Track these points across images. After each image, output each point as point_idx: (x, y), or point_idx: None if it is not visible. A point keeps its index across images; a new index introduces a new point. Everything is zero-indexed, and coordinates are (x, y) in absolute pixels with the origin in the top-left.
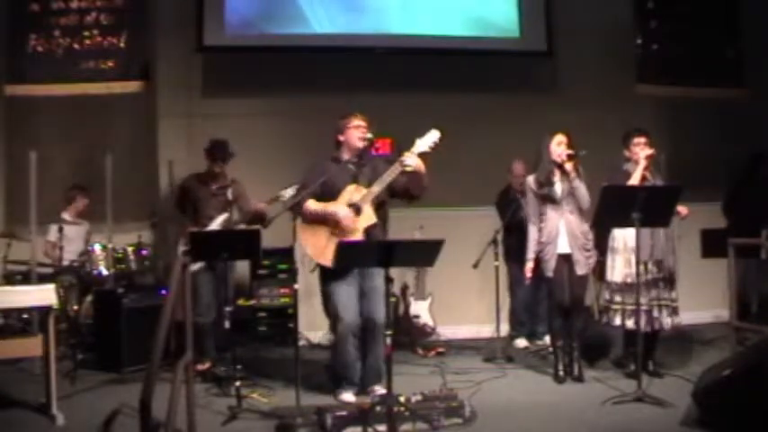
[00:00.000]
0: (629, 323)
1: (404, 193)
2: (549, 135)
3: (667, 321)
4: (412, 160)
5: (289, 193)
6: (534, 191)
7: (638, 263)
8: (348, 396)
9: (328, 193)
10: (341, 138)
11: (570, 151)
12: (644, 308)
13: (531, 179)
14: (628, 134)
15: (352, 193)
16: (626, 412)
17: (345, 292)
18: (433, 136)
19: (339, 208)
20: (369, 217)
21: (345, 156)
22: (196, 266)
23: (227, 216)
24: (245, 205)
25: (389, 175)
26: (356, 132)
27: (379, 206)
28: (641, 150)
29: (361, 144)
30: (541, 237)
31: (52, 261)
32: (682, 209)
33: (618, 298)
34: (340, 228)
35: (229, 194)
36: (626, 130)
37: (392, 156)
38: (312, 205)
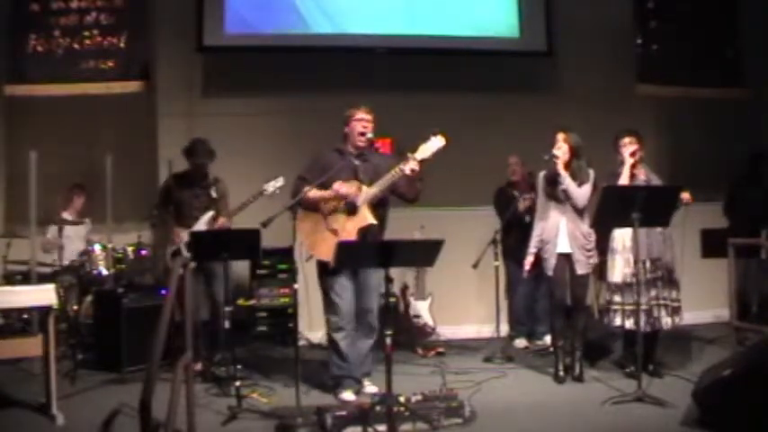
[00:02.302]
0: (629, 323)
1: (400, 195)
2: (554, 132)
3: (667, 321)
4: (414, 165)
5: (272, 186)
6: (543, 187)
7: (636, 262)
8: (348, 395)
9: (328, 186)
10: (345, 129)
11: (554, 152)
12: (643, 307)
13: (541, 174)
14: (616, 137)
15: (351, 190)
16: (626, 412)
17: (339, 285)
18: (437, 142)
19: (342, 186)
20: (364, 218)
21: (349, 149)
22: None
23: (212, 214)
24: (224, 207)
25: (389, 178)
26: (358, 126)
27: (379, 205)
28: (625, 150)
29: (360, 141)
30: (542, 234)
31: (50, 255)
32: (685, 195)
33: (617, 298)
34: (341, 201)
35: (213, 193)
36: (618, 131)
37: (393, 156)
38: (312, 192)
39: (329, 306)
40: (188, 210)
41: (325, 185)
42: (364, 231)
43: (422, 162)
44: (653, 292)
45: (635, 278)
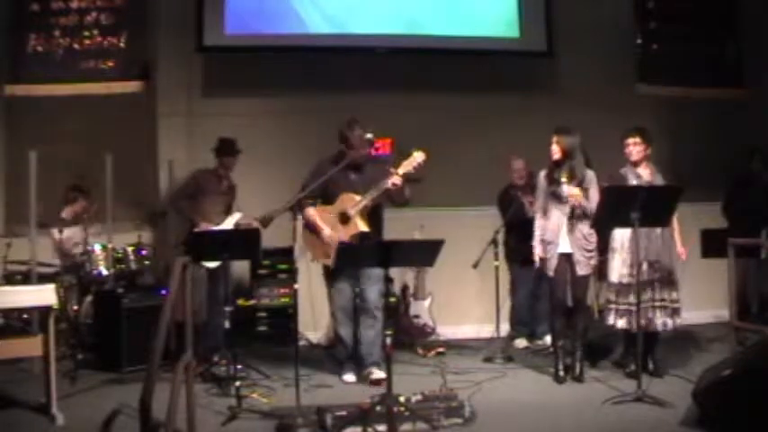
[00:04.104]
0: (621, 323)
1: (391, 200)
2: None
3: (666, 322)
4: (396, 180)
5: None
6: (544, 187)
7: (637, 263)
8: (349, 377)
9: (328, 196)
10: (345, 135)
11: (556, 157)
12: (640, 307)
13: (542, 174)
14: (622, 136)
15: (346, 202)
16: (626, 412)
17: (340, 281)
18: (418, 158)
19: (326, 229)
20: (356, 226)
21: (347, 157)
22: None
23: (240, 215)
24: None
25: (375, 191)
26: (358, 139)
27: (373, 211)
28: (633, 148)
29: (362, 151)
30: (543, 234)
31: (63, 254)
32: (681, 251)
33: (614, 298)
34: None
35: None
36: (625, 130)
37: (392, 156)
38: (310, 213)
39: (331, 300)
40: (214, 205)
41: (323, 190)
42: (356, 239)
43: (404, 176)
44: (648, 293)
45: (632, 278)
